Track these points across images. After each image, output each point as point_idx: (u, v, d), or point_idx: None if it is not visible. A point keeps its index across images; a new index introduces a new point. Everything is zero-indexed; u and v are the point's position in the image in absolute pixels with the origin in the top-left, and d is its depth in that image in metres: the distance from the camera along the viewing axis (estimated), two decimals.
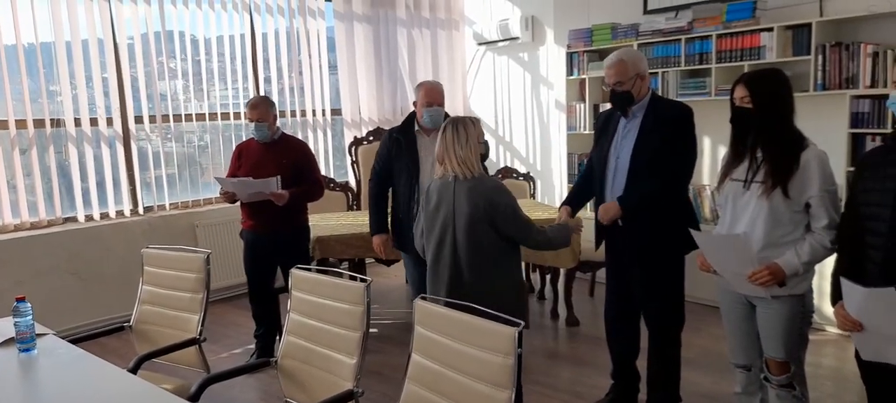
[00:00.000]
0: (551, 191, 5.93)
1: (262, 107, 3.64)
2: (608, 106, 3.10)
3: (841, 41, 3.93)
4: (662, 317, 2.94)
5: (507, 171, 5.45)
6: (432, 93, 3.25)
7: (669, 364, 2.98)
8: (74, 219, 4.64)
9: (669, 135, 2.78)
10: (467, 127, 2.64)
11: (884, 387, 2.03)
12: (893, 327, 1.82)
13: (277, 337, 3.97)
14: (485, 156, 2.68)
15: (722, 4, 4.41)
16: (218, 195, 3.50)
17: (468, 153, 2.61)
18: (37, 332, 2.28)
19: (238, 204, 3.78)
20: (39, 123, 4.40)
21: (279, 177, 3.52)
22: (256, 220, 3.69)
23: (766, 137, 2.25)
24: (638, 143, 2.80)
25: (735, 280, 2.35)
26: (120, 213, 4.80)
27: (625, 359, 3.11)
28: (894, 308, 1.78)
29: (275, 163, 3.61)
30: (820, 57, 3.98)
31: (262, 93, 5.38)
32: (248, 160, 3.71)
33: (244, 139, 5.28)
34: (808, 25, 4.00)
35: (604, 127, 2.97)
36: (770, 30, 4.14)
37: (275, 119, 3.72)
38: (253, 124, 3.64)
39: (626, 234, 2.85)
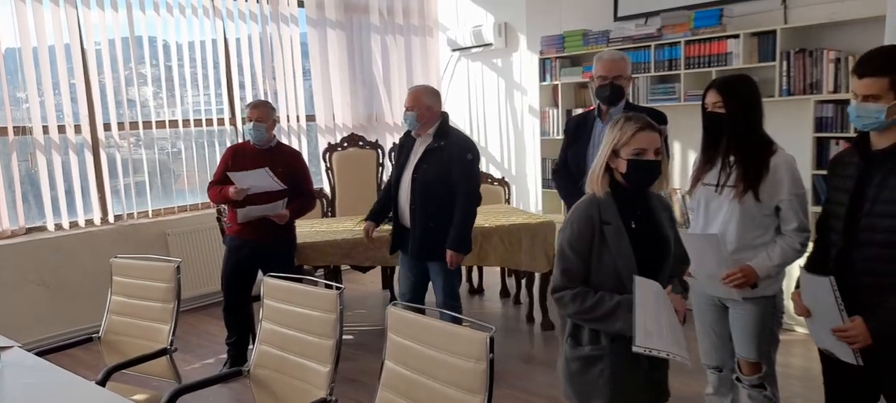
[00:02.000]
0: (526, 195, 5.97)
1: (262, 108, 3.64)
2: (580, 111, 3.14)
3: (805, 47, 4.03)
4: None
5: (483, 177, 5.46)
6: (407, 98, 3.30)
7: None
8: (42, 229, 4.54)
9: None
10: (612, 127, 2.01)
11: (837, 380, 2.11)
12: (826, 315, 1.91)
13: (250, 345, 3.94)
14: (642, 175, 1.98)
15: (689, 11, 4.49)
16: (210, 201, 3.47)
17: (596, 164, 2.03)
18: (1, 345, 2.23)
19: (213, 211, 3.74)
20: (2, 131, 4.31)
21: (286, 199, 3.57)
22: (246, 226, 3.61)
23: (738, 142, 2.30)
24: None
25: (708, 281, 2.40)
26: (89, 222, 4.72)
27: None
28: (826, 296, 1.89)
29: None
30: (785, 63, 4.07)
31: (235, 98, 5.35)
32: (241, 165, 3.62)
33: (217, 146, 5.29)
34: (773, 32, 4.10)
35: (578, 130, 3.01)
36: (736, 36, 4.23)
37: (273, 124, 3.71)
38: (251, 124, 3.60)
39: None
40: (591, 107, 3.01)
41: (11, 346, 2.33)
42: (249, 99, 5.40)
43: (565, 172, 3.03)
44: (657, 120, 2.85)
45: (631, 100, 4.70)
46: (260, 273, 3.78)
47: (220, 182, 3.69)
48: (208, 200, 5.20)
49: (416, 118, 3.24)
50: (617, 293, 1.92)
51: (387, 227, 4.06)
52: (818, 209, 2.11)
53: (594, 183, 2.01)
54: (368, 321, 4.77)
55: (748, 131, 2.31)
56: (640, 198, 2.02)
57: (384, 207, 3.56)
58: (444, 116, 3.32)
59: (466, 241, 3.29)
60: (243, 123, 5.24)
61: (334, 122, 5.89)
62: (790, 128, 3.95)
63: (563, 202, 3.09)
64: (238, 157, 3.69)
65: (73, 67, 4.57)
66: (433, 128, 3.26)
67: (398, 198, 3.34)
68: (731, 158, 2.33)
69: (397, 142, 3.50)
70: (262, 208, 3.55)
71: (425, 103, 3.26)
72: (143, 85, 5.01)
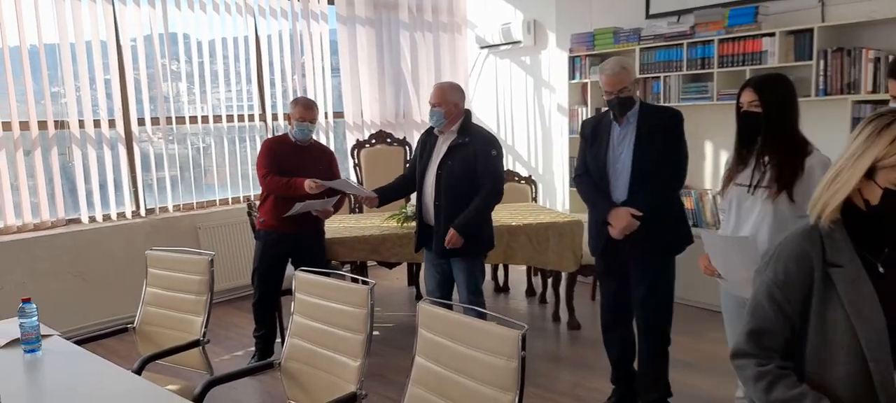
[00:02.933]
0: (553, 194, 5.94)
1: (316, 109, 3.71)
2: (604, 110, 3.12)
3: (843, 46, 3.94)
4: (658, 317, 2.99)
5: (509, 175, 5.45)
6: (432, 94, 3.28)
7: (662, 363, 3.04)
8: (77, 221, 4.65)
9: (666, 139, 2.85)
10: (877, 129, 1.32)
11: None
12: None
13: (277, 338, 3.99)
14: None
15: (724, 9, 4.42)
16: (311, 186, 3.49)
17: (837, 182, 1.36)
18: (43, 333, 2.29)
19: (243, 205, 3.79)
20: (43, 125, 4.41)
21: (337, 197, 3.64)
22: (286, 221, 3.62)
23: (774, 142, 2.27)
24: (637, 148, 2.84)
25: (740, 283, 2.36)
26: (122, 215, 4.81)
27: (623, 363, 3.14)
28: None
29: (312, 168, 3.63)
30: (822, 62, 3.99)
31: (266, 95, 5.41)
32: (284, 162, 3.66)
33: (248, 141, 5.36)
34: (810, 31, 4.02)
35: (594, 133, 3.00)
36: (772, 35, 4.15)
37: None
38: (305, 123, 3.63)
39: (622, 237, 2.87)
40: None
41: (52, 334, 2.39)
42: (279, 96, 5.47)
43: (587, 177, 3.02)
44: (673, 117, 2.88)
45: (660, 98, 4.70)
46: (290, 267, 3.83)
47: (274, 173, 3.67)
48: (239, 194, 5.33)
49: (444, 115, 3.22)
50: (853, 372, 1.29)
51: (411, 224, 4.07)
52: None
53: (823, 206, 1.36)
54: (394, 317, 4.79)
55: (784, 131, 2.28)
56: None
57: (395, 190, 3.54)
58: (467, 113, 3.30)
59: (472, 230, 3.19)
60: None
61: (362, 119, 5.92)
62: (826, 129, 3.86)
63: (588, 207, 3.08)
64: (279, 154, 3.71)
65: (108, 63, 4.66)
66: (457, 124, 3.25)
67: (422, 196, 3.34)
68: (766, 158, 2.29)
69: (421, 138, 3.45)
70: (320, 202, 3.58)
71: (452, 100, 3.24)
72: (177, 80, 5.09)
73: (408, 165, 3.61)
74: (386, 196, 3.56)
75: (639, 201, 2.82)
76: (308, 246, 3.70)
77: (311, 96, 5.64)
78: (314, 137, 5.58)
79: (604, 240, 2.94)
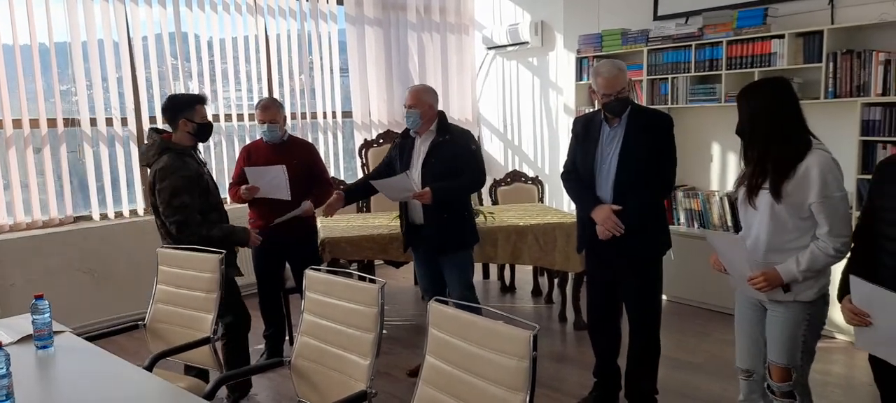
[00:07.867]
0: (559, 194, 5.94)
1: (273, 109, 3.68)
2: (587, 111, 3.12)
3: (852, 49, 3.93)
4: (647, 315, 3.05)
5: (516, 175, 5.46)
6: (406, 97, 3.34)
7: (653, 360, 3.10)
8: (87, 218, 4.68)
9: (656, 143, 2.88)
10: None
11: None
12: (892, 316, 1.85)
13: (286, 338, 4.00)
14: None
15: (732, 11, 4.41)
16: (226, 196, 3.49)
17: None
18: (55, 329, 2.31)
19: (246, 204, 3.80)
20: (52, 122, 4.44)
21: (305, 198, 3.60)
22: (266, 221, 3.70)
23: (761, 147, 2.26)
24: (624, 150, 2.87)
25: (738, 280, 2.39)
26: (133, 212, 4.84)
27: (608, 357, 3.22)
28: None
29: (285, 164, 3.64)
30: (831, 64, 3.98)
31: (274, 94, 5.43)
32: (257, 161, 3.74)
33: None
34: (820, 33, 4.01)
35: (585, 132, 3.03)
36: (781, 37, 4.15)
37: (284, 120, 3.76)
38: (264, 125, 3.67)
39: (611, 237, 2.90)
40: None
41: (64, 331, 2.41)
42: (287, 95, 5.49)
43: (575, 175, 3.06)
44: (664, 121, 2.90)
45: (669, 100, 4.70)
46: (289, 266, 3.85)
47: (238, 182, 3.76)
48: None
49: (420, 116, 3.28)
50: None
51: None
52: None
53: None
54: (401, 316, 4.80)
55: (770, 136, 2.24)
56: None
57: (364, 189, 3.61)
58: (442, 114, 3.37)
59: (444, 195, 3.22)
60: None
61: (371, 119, 5.94)
62: (835, 131, 3.85)
63: (575, 205, 3.12)
64: (253, 155, 3.77)
65: (120, 61, 4.69)
66: (434, 124, 3.32)
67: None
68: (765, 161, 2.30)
69: (395, 142, 3.51)
70: (293, 213, 3.58)
71: (427, 101, 3.31)
72: (188, 79, 5.12)
73: (377, 168, 3.62)
74: (352, 196, 3.65)
75: (628, 207, 2.84)
76: (295, 244, 3.73)
77: (319, 96, 5.66)
78: (322, 137, 5.64)
79: (589, 239, 2.99)
